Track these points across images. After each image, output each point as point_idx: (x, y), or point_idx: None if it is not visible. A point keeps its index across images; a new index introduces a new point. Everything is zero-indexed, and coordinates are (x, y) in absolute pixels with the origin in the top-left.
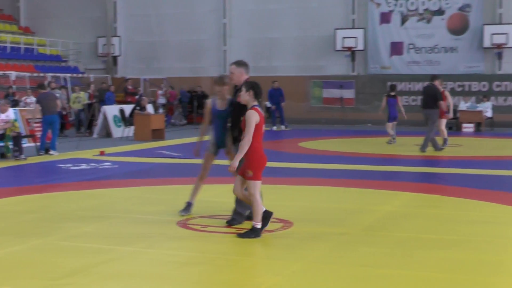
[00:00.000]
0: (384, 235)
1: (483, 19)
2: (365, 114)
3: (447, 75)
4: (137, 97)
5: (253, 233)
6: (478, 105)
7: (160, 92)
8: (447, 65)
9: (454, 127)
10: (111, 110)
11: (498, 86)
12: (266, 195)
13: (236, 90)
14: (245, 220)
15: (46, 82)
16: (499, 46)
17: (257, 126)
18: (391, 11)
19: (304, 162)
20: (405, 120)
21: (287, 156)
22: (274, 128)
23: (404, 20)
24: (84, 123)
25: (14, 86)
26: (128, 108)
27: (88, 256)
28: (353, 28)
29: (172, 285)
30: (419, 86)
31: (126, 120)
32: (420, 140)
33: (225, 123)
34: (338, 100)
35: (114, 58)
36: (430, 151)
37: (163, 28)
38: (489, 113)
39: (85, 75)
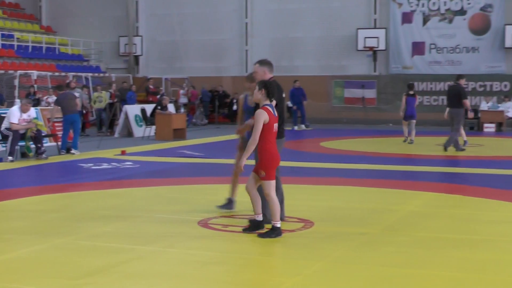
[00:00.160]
0: (405, 235)
1: (505, 19)
2: (386, 114)
3: (469, 75)
4: (158, 96)
5: (274, 232)
6: (499, 105)
7: (181, 91)
8: (469, 65)
9: (476, 127)
10: (132, 110)
11: None
12: (287, 195)
13: None
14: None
15: (68, 81)
16: None
17: (268, 126)
18: (413, 11)
19: (325, 162)
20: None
21: (308, 155)
22: (296, 128)
23: (425, 20)
24: (105, 122)
25: (35, 86)
26: (149, 108)
27: (109, 256)
28: (375, 28)
29: (192, 285)
30: (440, 86)
31: (148, 120)
32: (441, 140)
33: None
34: (360, 100)
35: (136, 58)
36: (451, 151)
37: (185, 28)
38: (510, 113)
39: (107, 74)
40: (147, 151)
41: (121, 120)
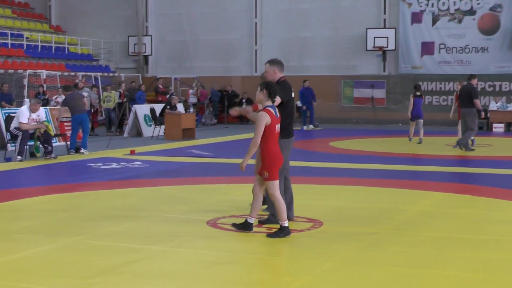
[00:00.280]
0: (414, 235)
1: None
2: (395, 114)
3: (478, 75)
4: (167, 96)
5: (282, 232)
6: (508, 105)
7: (191, 91)
8: (478, 65)
9: (485, 127)
10: (141, 109)
11: None
12: (296, 195)
13: None
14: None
15: (77, 81)
16: None
17: (270, 127)
18: (422, 11)
19: (335, 161)
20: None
21: (318, 155)
22: (305, 127)
23: (435, 20)
24: (114, 122)
25: (44, 85)
26: (158, 107)
27: (118, 255)
28: (384, 28)
29: (201, 284)
30: (450, 86)
31: (157, 119)
32: (450, 140)
33: None
34: (369, 100)
35: (145, 57)
36: (459, 151)
37: (194, 27)
38: None
39: (116, 74)
40: (156, 150)
41: (130, 120)
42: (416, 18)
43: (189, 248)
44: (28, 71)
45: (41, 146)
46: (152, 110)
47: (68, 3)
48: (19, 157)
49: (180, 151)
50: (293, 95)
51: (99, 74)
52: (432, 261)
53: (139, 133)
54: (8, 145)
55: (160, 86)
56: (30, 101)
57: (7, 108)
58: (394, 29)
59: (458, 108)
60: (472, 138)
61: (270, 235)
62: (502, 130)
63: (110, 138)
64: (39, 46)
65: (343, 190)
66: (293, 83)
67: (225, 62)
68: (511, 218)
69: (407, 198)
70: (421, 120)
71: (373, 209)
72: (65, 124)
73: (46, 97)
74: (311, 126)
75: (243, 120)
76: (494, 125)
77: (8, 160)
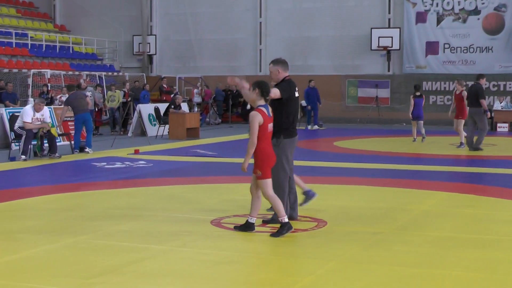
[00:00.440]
0: (418, 235)
1: None
2: (400, 114)
3: None
4: (172, 95)
5: (284, 228)
6: None
7: (195, 90)
8: (483, 64)
9: (489, 127)
10: (146, 109)
11: None
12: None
13: None
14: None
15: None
16: None
17: (262, 127)
18: (427, 11)
19: (339, 161)
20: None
21: (322, 155)
22: (309, 127)
23: (439, 19)
24: (118, 121)
25: (49, 84)
26: (163, 107)
27: (121, 255)
28: (389, 27)
29: (205, 284)
30: (454, 85)
31: (161, 119)
32: (454, 139)
33: None
34: (374, 99)
35: (150, 57)
36: (464, 150)
37: (199, 27)
38: None
39: (121, 73)
40: (161, 150)
41: (134, 119)
42: (421, 17)
43: (193, 248)
44: (32, 70)
45: (45, 144)
46: (157, 110)
47: (73, 3)
48: (23, 157)
49: (185, 151)
50: (297, 95)
51: (104, 73)
52: (437, 261)
53: (143, 133)
54: (13, 144)
55: (165, 86)
56: (34, 101)
57: (11, 107)
58: (398, 29)
59: (456, 108)
60: (462, 140)
61: (274, 235)
62: (506, 129)
63: (114, 137)
64: (44, 46)
65: (348, 190)
66: (297, 82)
67: (230, 61)
68: None
69: (411, 198)
70: (421, 122)
71: (377, 209)
72: (69, 123)
73: (50, 97)
74: (315, 126)
75: (247, 119)
76: (499, 124)
77: (12, 159)
